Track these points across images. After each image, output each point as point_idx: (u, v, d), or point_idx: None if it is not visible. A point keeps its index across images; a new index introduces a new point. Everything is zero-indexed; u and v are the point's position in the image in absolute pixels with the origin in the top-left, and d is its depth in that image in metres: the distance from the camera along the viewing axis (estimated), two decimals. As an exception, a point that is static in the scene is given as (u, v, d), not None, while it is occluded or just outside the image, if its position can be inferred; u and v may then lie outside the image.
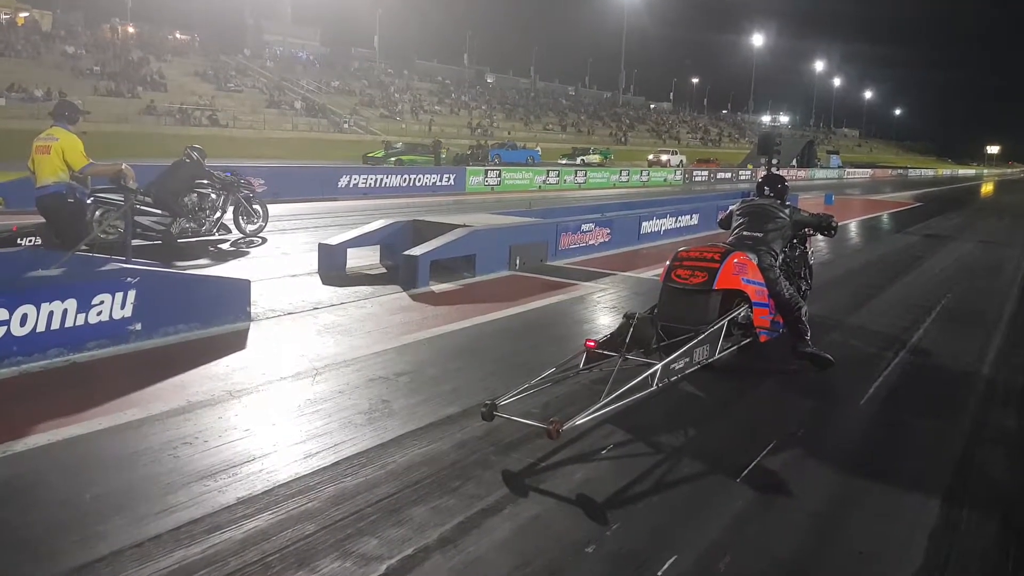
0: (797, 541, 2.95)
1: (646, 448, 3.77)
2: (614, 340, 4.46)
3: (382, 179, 19.74)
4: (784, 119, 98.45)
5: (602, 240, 10.54)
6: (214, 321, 5.38)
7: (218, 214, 9.82)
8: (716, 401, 4.57)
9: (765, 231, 5.38)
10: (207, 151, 10.48)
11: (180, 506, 2.94)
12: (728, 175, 39.76)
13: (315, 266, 7.98)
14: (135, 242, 8.65)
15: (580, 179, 28.47)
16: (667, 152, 53.19)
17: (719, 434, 4.06)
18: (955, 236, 14.81)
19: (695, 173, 38.10)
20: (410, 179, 20.77)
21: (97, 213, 8.23)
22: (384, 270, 8.22)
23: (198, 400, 4.08)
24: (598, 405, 3.59)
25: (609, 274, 8.67)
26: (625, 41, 77.13)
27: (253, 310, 5.80)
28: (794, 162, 49.43)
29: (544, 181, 26.25)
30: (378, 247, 8.61)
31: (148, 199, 8.86)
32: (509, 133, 55.30)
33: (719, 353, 4.63)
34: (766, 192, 5.85)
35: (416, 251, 7.48)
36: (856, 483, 3.49)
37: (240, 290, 5.64)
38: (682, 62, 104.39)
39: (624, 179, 31.77)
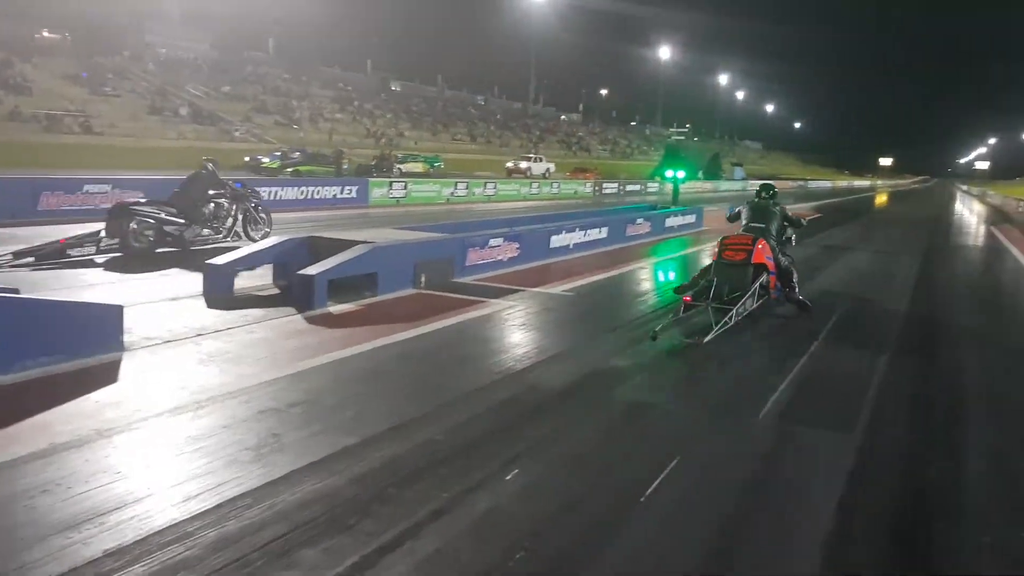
0: (698, 562, 3.03)
1: (549, 473, 3.79)
2: (698, 296, 7.12)
3: (277, 192, 19.18)
4: (688, 130, 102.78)
5: (511, 255, 10.62)
6: (81, 352, 5.05)
7: (230, 221, 10.93)
8: (616, 417, 4.66)
9: (767, 222, 7.91)
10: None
11: (35, 563, 2.72)
12: (638, 187, 40.98)
13: (199, 288, 7.66)
14: (162, 250, 9.83)
15: (490, 191, 28.67)
16: (528, 159, 47.03)
17: (622, 453, 4.12)
18: (852, 247, 15.79)
19: (605, 185, 39.02)
20: (308, 191, 20.31)
21: (132, 225, 9.44)
22: (277, 291, 7.98)
23: (62, 441, 3.80)
24: (715, 330, 6.33)
25: (518, 290, 8.73)
26: (534, 51, 78.46)
27: (127, 338, 5.49)
28: (700, 174, 51.38)
29: (452, 193, 26.27)
30: (271, 266, 8.35)
31: (172, 208, 10.05)
32: (416, 143, 55.00)
33: (754, 305, 7.26)
34: (763, 196, 8.38)
35: (312, 270, 7.29)
36: (755, 499, 3.63)
37: (111, 317, 5.32)
38: (592, 73, 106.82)
39: (535, 191, 32.23)
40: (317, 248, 8.26)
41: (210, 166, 10.99)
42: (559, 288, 9.07)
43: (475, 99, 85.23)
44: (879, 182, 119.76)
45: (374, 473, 3.62)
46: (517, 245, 10.78)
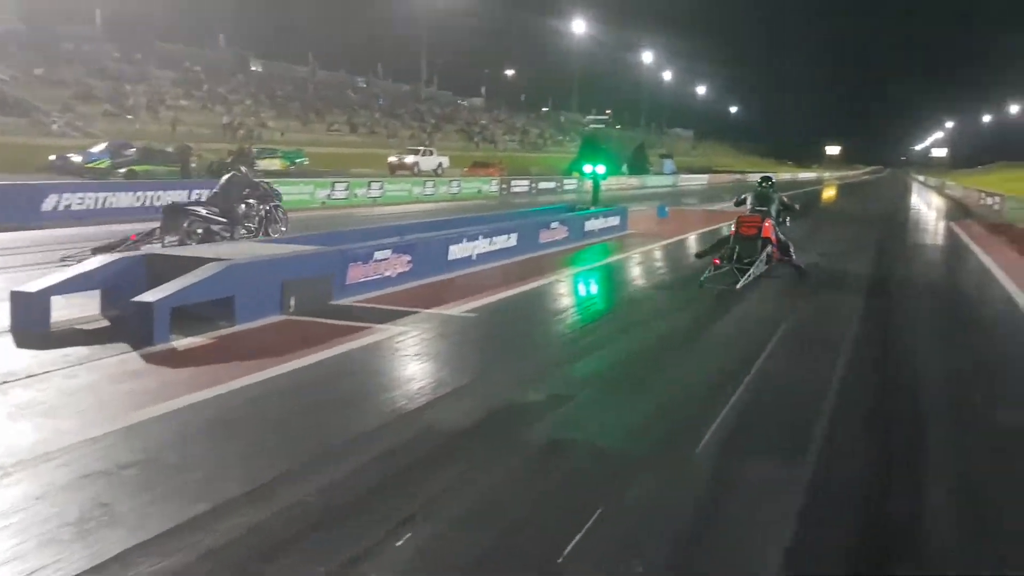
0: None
1: (449, 535, 3.80)
2: (721, 259, 11.22)
3: (107, 198, 18.51)
4: (608, 116, 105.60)
5: (401, 270, 10.61)
6: None
7: (257, 220, 13.35)
8: (528, 462, 4.73)
9: (768, 206, 12.04)
10: None
11: None
12: (552, 184, 41.72)
13: (6, 322, 7.33)
14: None
15: (375, 192, 28.58)
16: (415, 152, 46.59)
17: (536, 505, 4.18)
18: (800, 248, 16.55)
19: (513, 183, 39.52)
20: (147, 197, 19.58)
21: (185, 224, 11.97)
22: (107, 323, 7.74)
23: None
24: (742, 280, 10.61)
25: (411, 312, 8.74)
26: (427, 24, 78.78)
27: (-95, 391, 5.18)
28: (624, 168, 52.73)
29: (329, 195, 26.06)
30: (98, 292, 8.07)
31: (215, 208, 12.56)
32: (282, 134, 54.27)
33: (763, 268, 11.21)
34: (764, 185, 12.64)
35: (150, 296, 7.10)
36: (695, 543, 3.77)
37: None
38: (496, 51, 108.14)
39: (430, 191, 32.35)
40: (157, 268, 8.04)
41: (243, 168, 14.66)
42: (460, 308, 9.13)
43: (355, 81, 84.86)
44: (826, 174, 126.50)
45: (231, 546, 3.54)
46: (409, 258, 10.79)
